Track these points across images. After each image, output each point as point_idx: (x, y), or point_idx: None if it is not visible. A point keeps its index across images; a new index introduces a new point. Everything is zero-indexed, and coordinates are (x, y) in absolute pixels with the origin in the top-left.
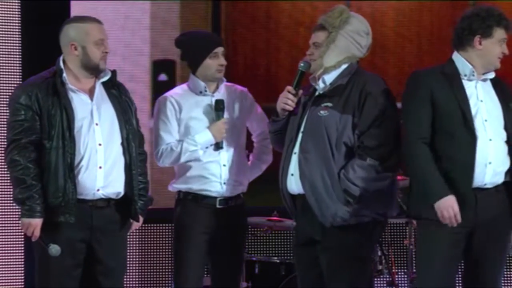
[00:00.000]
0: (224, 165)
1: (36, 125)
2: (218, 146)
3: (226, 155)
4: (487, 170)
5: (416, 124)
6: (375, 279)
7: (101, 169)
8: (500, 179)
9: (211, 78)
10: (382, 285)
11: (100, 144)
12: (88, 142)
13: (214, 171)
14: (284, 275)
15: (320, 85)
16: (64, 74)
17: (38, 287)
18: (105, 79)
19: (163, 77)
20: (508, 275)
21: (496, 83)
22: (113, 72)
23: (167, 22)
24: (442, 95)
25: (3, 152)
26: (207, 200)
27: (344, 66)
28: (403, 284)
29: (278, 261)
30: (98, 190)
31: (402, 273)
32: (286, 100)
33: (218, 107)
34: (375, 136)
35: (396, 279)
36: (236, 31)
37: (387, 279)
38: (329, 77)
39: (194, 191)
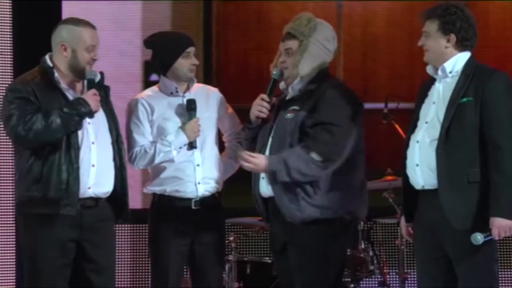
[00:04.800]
0: (198, 165)
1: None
2: (191, 146)
3: (199, 155)
4: (417, 172)
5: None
6: (367, 279)
7: (93, 167)
8: (435, 179)
9: (184, 78)
10: (373, 285)
11: (93, 143)
12: (83, 139)
13: (188, 171)
14: (276, 275)
15: (290, 92)
16: (56, 74)
17: (28, 287)
18: (97, 79)
19: (154, 77)
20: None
21: (473, 76)
22: (101, 74)
23: (159, 22)
24: (416, 102)
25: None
26: (182, 202)
27: (315, 73)
28: (394, 284)
29: (269, 261)
30: (89, 188)
31: (394, 273)
32: (261, 108)
33: (190, 106)
34: (328, 132)
35: (388, 279)
36: (228, 31)
37: (379, 279)
38: (299, 84)
39: (169, 193)
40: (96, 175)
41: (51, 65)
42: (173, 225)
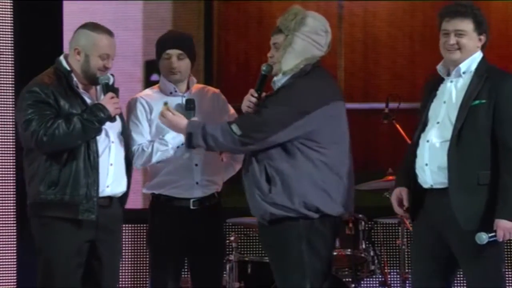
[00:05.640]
0: (196, 165)
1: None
2: None
3: (198, 154)
4: (426, 171)
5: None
6: (368, 279)
7: (112, 166)
8: (444, 179)
9: (169, 79)
10: (374, 285)
11: (112, 142)
12: (103, 139)
13: (186, 171)
14: None
15: (273, 88)
16: (75, 79)
17: (41, 287)
18: (110, 81)
19: (155, 77)
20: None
21: (486, 79)
22: (112, 76)
23: (160, 22)
24: (423, 100)
25: None
26: (180, 202)
27: (299, 68)
28: (395, 284)
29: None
30: (107, 187)
31: (395, 273)
32: (249, 103)
33: (189, 106)
34: (257, 112)
35: (389, 279)
36: (229, 31)
37: (380, 279)
38: (281, 80)
39: (167, 193)
40: (114, 174)
41: (68, 68)
42: (172, 225)
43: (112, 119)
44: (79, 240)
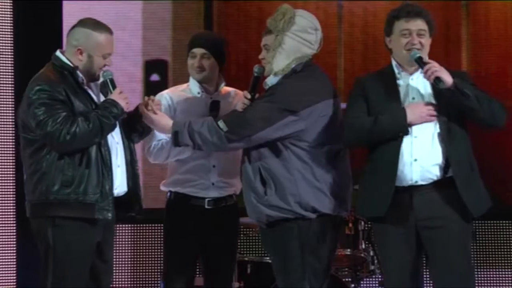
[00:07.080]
0: (214, 166)
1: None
2: None
3: (216, 156)
4: (414, 168)
5: (350, 113)
6: (367, 279)
7: (119, 168)
8: (432, 175)
9: (194, 78)
10: (374, 285)
11: (118, 143)
12: (110, 140)
13: (203, 171)
14: None
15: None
16: (81, 75)
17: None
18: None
19: (155, 77)
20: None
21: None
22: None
23: (160, 22)
24: (375, 95)
25: None
26: (196, 201)
27: (290, 67)
28: None
29: (270, 261)
30: (115, 189)
31: None
32: (243, 105)
33: (213, 108)
34: (245, 111)
35: None
36: (229, 31)
37: (379, 279)
38: (273, 80)
39: (183, 191)
40: (120, 176)
41: (72, 65)
42: (187, 223)
43: (124, 114)
44: (91, 241)
